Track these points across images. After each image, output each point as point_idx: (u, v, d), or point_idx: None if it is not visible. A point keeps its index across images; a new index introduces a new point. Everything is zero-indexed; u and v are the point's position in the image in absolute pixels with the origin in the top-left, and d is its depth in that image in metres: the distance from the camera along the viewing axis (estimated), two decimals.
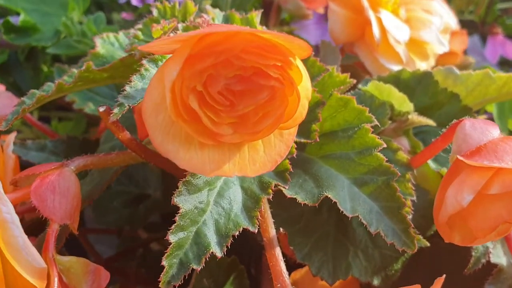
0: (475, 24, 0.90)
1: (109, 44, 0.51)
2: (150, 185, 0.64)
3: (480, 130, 0.37)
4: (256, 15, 0.48)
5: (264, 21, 0.72)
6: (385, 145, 0.41)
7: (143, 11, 0.72)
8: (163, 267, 0.62)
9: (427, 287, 0.51)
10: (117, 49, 0.52)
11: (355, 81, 0.46)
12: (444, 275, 0.39)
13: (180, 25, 0.45)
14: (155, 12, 0.48)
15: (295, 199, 0.41)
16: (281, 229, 0.45)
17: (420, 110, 0.53)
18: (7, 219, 0.33)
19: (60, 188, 0.41)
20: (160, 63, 0.42)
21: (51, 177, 0.41)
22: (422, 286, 0.51)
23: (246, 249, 0.55)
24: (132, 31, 0.51)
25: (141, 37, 0.47)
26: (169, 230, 0.37)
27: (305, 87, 0.32)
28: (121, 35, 0.53)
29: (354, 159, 0.42)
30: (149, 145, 0.47)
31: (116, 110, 0.38)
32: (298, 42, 0.30)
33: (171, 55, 0.39)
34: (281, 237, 0.45)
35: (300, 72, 0.31)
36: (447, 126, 0.52)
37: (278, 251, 0.42)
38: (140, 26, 0.48)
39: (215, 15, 0.50)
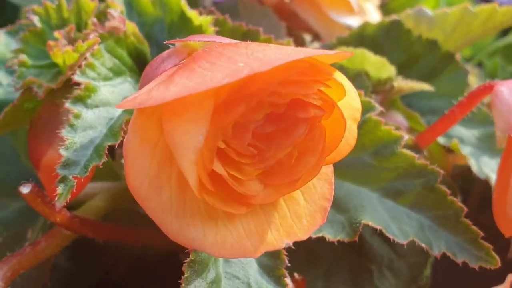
0: None
1: None
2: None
3: None
4: None
5: None
6: (406, 137, 0.43)
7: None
8: None
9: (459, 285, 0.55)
10: None
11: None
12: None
13: (92, 35, 0.41)
14: (36, 20, 0.43)
15: None
16: (295, 274, 0.45)
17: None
18: None
19: None
20: (89, 101, 0.38)
21: None
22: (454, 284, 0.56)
23: None
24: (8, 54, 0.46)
25: (29, 62, 0.42)
26: None
27: (349, 105, 0.32)
28: None
29: (373, 164, 0.43)
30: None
31: (61, 190, 0.35)
32: (336, 55, 0.30)
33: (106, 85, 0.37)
34: (298, 285, 0.45)
35: (342, 87, 0.31)
36: (431, 80, 0.56)
37: None
38: (18, 45, 0.43)
39: (115, 4, 0.46)
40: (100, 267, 0.58)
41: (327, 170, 0.34)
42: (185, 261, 0.36)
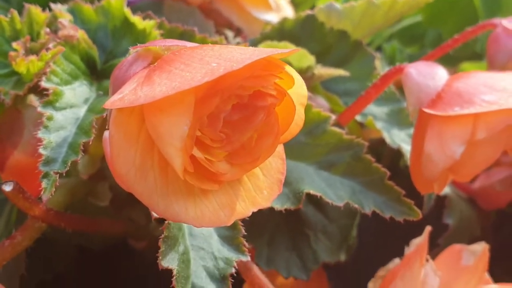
0: None
1: None
2: None
3: (430, 76, 0.48)
4: (122, 1, 0.50)
5: None
6: (333, 117, 0.50)
7: None
8: None
9: (382, 242, 0.63)
10: None
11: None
12: (429, 227, 0.50)
13: (51, 44, 0.45)
14: None
15: None
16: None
17: None
18: None
19: None
20: (57, 105, 0.43)
21: None
22: (378, 241, 0.63)
23: None
24: None
25: None
26: None
27: (297, 93, 0.38)
28: None
29: (308, 142, 0.49)
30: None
31: (45, 184, 0.39)
32: (288, 52, 0.36)
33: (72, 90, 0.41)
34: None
35: (292, 77, 0.37)
36: (343, 66, 0.63)
37: (256, 270, 0.49)
38: None
39: (63, 13, 0.50)
40: (42, 263, 0.60)
41: (279, 149, 0.41)
42: (160, 237, 0.41)
